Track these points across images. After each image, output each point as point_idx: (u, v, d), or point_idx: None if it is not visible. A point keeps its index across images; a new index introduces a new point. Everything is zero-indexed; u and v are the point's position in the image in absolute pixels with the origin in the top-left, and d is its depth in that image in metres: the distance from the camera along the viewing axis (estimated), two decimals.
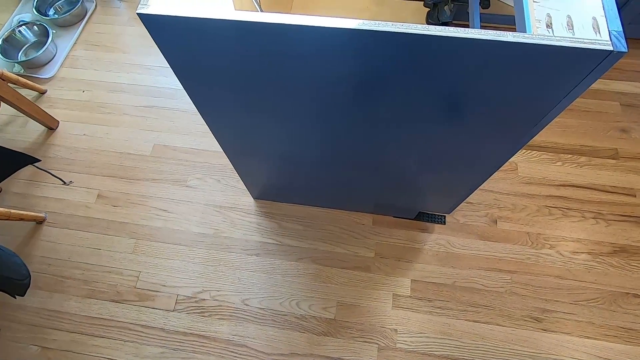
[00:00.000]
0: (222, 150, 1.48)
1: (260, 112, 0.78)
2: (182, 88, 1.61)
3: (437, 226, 1.35)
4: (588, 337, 1.17)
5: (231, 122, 0.88)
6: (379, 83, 0.60)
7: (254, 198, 1.39)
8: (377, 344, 1.18)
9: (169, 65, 1.67)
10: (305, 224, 1.35)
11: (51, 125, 1.52)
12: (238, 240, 1.33)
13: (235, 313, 1.22)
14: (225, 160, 1.46)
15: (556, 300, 1.22)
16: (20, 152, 1.00)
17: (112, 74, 1.66)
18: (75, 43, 1.74)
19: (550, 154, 1.45)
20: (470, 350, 1.17)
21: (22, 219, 1.29)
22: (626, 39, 0.47)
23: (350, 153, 0.90)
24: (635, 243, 1.29)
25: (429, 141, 0.77)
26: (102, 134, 1.53)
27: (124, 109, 1.58)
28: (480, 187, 1.40)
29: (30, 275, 1.07)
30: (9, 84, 1.43)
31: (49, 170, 1.36)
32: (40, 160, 1.04)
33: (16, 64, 1.67)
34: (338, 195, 1.26)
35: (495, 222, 1.34)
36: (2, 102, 1.36)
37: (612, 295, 1.22)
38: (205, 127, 1.52)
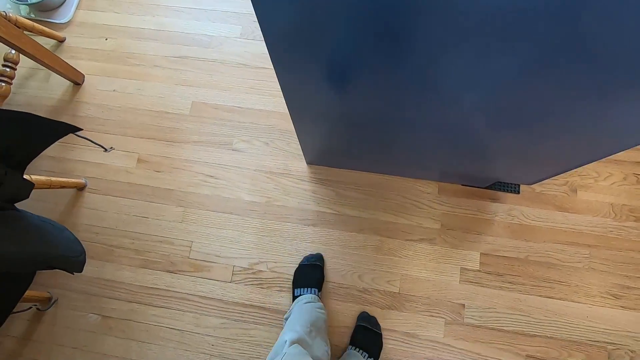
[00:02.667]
0: (268, 109, 1.33)
1: (348, 74, 0.63)
2: (218, 35, 1.42)
3: (509, 195, 1.23)
4: None
5: (310, 81, 0.72)
6: None
7: (307, 163, 1.27)
8: (444, 318, 1.14)
9: (200, 7, 1.45)
10: (365, 192, 1.25)
11: (77, 80, 1.37)
12: (293, 210, 1.24)
13: None
14: (273, 120, 1.31)
15: (639, 277, 1.14)
16: (61, 122, 0.87)
17: (135, 17, 1.45)
18: None
19: None
20: (542, 326, 1.12)
21: (63, 187, 1.21)
22: None
23: (438, 114, 0.75)
24: None
25: (558, 99, 0.60)
26: (133, 89, 1.38)
27: (154, 60, 1.41)
28: None
29: (84, 251, 1.01)
30: (24, 32, 1.25)
31: (90, 139, 1.23)
32: (82, 129, 0.92)
33: (26, 6, 1.46)
34: (401, 160, 1.13)
35: (576, 191, 1.22)
36: (21, 55, 1.20)
37: None
38: (248, 83, 1.35)
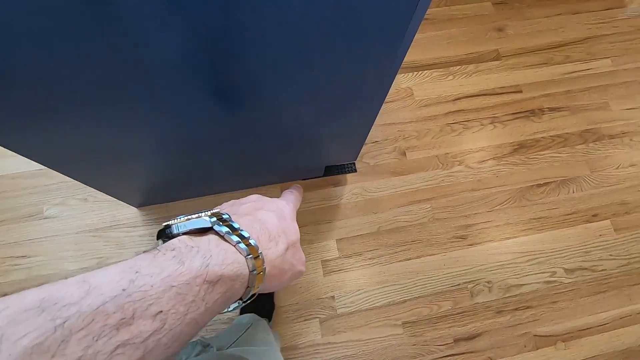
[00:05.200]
0: None
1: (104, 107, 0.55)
2: None
3: (349, 176, 1.25)
4: (509, 238, 1.21)
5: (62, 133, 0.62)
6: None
7: (136, 207, 1.16)
8: (318, 317, 1.10)
9: None
10: None
11: None
12: None
13: None
14: None
15: (475, 213, 1.23)
16: None
17: None
18: None
19: (440, 70, 1.40)
20: (409, 289, 1.14)
21: None
22: None
23: (228, 132, 0.72)
24: (530, 136, 1.33)
25: (298, 102, 0.62)
26: None
27: None
28: (381, 123, 1.32)
29: None
30: None
31: None
32: None
33: None
34: (234, 176, 1.09)
35: (404, 154, 1.29)
36: None
37: (520, 191, 1.27)
38: None
